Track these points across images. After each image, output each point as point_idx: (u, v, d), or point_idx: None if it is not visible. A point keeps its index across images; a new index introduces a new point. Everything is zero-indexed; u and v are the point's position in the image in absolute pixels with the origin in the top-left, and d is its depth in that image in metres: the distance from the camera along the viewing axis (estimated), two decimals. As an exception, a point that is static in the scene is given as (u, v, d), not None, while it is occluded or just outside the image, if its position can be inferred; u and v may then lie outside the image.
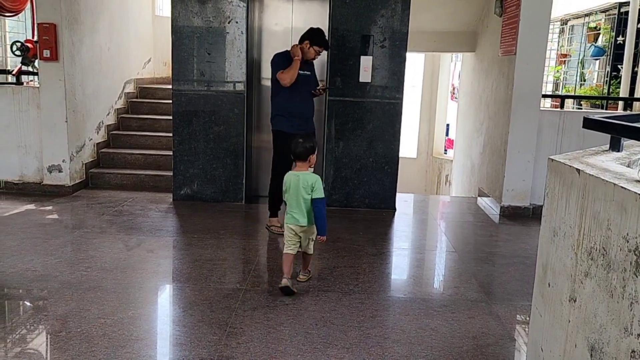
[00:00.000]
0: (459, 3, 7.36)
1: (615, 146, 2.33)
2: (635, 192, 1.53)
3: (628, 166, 2.10)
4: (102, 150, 6.86)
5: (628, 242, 1.56)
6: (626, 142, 2.34)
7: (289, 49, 5.02)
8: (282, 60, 4.85)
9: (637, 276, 1.51)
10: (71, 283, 3.67)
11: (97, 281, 3.72)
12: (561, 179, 2.05)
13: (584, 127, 2.12)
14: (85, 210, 5.55)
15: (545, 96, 6.78)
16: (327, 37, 5.17)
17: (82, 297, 3.46)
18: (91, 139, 6.61)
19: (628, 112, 2.40)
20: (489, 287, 4.00)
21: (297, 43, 4.94)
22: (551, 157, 2.19)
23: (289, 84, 4.75)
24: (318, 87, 5.07)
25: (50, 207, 5.60)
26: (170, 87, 5.97)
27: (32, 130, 6.03)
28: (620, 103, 6.53)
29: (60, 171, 6.03)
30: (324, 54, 5.29)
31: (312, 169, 3.84)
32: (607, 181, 1.70)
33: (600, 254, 1.72)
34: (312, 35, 4.86)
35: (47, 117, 5.92)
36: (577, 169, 1.92)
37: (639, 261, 1.50)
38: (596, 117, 2.07)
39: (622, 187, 1.60)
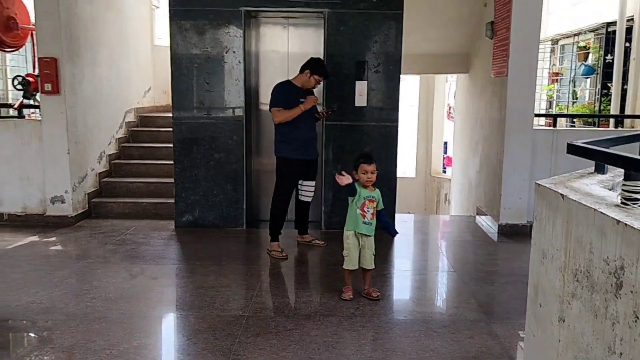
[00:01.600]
0: (451, 26, 7.53)
1: (599, 169, 2.42)
2: (613, 218, 1.62)
3: (611, 189, 2.19)
4: (104, 179, 6.96)
5: (608, 264, 1.64)
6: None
7: (288, 77, 5.16)
8: (281, 93, 4.99)
9: (617, 297, 1.59)
10: (76, 314, 3.73)
11: (102, 312, 3.79)
12: (547, 203, 2.13)
13: (568, 152, 2.21)
14: (89, 241, 5.63)
15: (538, 115, 6.90)
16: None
17: (88, 329, 3.52)
18: (93, 169, 6.72)
19: (613, 135, 2.48)
20: (488, 307, 4.06)
21: (300, 72, 5.07)
22: (538, 181, 2.28)
23: (278, 123, 4.92)
24: (322, 110, 5.23)
25: (53, 239, 5.68)
26: (170, 115, 6.10)
27: (34, 163, 6.14)
28: (612, 120, 6.65)
29: (63, 202, 6.12)
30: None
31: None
32: (588, 206, 1.78)
33: (585, 276, 1.80)
34: (313, 65, 5.01)
35: (49, 149, 6.03)
36: (561, 194, 2.00)
37: (619, 283, 1.58)
38: (579, 142, 2.17)
39: (601, 212, 1.69)
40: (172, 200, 6.15)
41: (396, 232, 4.30)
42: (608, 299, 1.64)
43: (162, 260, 5.03)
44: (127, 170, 7.25)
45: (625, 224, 1.54)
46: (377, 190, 4.08)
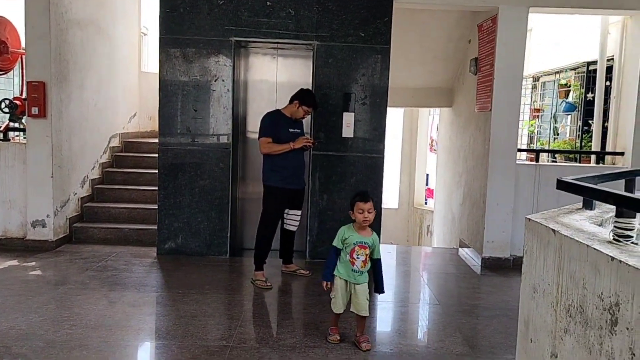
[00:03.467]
0: (436, 62, 7.69)
1: (587, 205, 2.47)
2: (607, 254, 1.65)
3: (600, 225, 2.23)
4: (87, 204, 6.86)
5: (603, 300, 1.66)
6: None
7: (276, 106, 5.20)
8: (269, 123, 5.04)
9: (613, 334, 1.61)
10: (56, 342, 3.63)
11: (81, 339, 3.69)
12: (538, 238, 2.16)
13: (557, 188, 2.26)
14: (69, 266, 5.51)
15: (520, 150, 7.03)
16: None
17: (68, 357, 3.42)
18: (76, 194, 6.63)
19: (599, 173, 2.54)
20: (474, 341, 4.05)
21: (289, 102, 5.12)
22: (528, 216, 2.31)
23: (264, 154, 4.99)
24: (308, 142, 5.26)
25: (33, 263, 5.55)
26: (155, 140, 6.09)
27: (17, 186, 6.04)
28: (593, 156, 6.80)
29: (44, 226, 6.01)
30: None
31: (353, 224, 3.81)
32: (581, 242, 1.81)
33: (578, 311, 1.81)
34: (302, 96, 5.07)
35: (33, 172, 5.95)
36: (552, 230, 2.04)
37: (614, 319, 1.60)
38: (569, 179, 2.21)
39: (595, 248, 1.72)
40: (155, 227, 6.08)
41: (382, 292, 3.83)
42: (603, 335, 1.65)
43: (144, 287, 4.94)
44: (110, 196, 7.17)
45: (620, 261, 1.57)
46: (374, 235, 3.76)
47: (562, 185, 2.19)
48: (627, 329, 1.53)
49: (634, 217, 1.79)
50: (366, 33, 5.84)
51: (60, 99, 6.06)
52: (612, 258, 1.60)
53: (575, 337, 1.82)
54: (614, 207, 1.93)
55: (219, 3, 5.78)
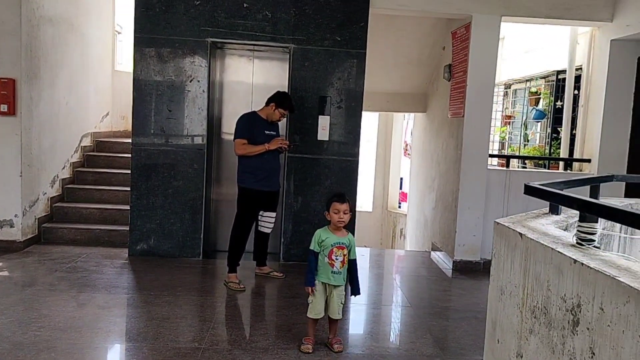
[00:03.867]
0: (411, 68, 7.79)
1: (554, 210, 2.55)
2: (570, 257, 1.70)
3: (565, 229, 2.30)
4: (56, 204, 6.74)
5: (565, 302, 1.72)
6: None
7: (251, 108, 5.21)
8: (245, 125, 5.04)
9: (574, 334, 1.66)
10: (23, 344, 3.57)
11: (50, 342, 3.63)
12: (506, 241, 2.22)
13: (525, 193, 2.32)
14: (37, 267, 5.41)
15: (492, 156, 7.16)
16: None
17: (35, 359, 3.36)
18: (45, 193, 6.51)
19: (566, 179, 2.63)
20: (444, 342, 4.11)
21: (266, 104, 5.12)
22: (497, 220, 2.37)
23: (239, 155, 4.99)
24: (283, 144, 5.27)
25: (0, 264, 5.43)
26: (128, 140, 6.03)
27: (-16, 184, 5.91)
28: (561, 163, 6.97)
29: (11, 226, 5.89)
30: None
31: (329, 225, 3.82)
32: (546, 245, 1.87)
33: (542, 312, 1.87)
34: (279, 99, 5.09)
35: (1, 171, 5.81)
36: (519, 233, 2.10)
37: (576, 320, 1.66)
38: (536, 184, 2.28)
39: (559, 251, 1.78)
40: (127, 228, 6.01)
41: (358, 293, 3.86)
42: (565, 335, 1.71)
43: (114, 289, 4.88)
44: (81, 196, 7.05)
45: (582, 264, 1.63)
46: (349, 235, 3.80)
47: (529, 190, 2.25)
48: (588, 329, 1.58)
49: (596, 222, 1.85)
50: (342, 37, 5.89)
51: (30, 97, 5.95)
52: (575, 261, 1.66)
53: (540, 337, 1.88)
54: (578, 212, 1.99)
55: (195, 3, 5.76)
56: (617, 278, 1.45)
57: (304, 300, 4.72)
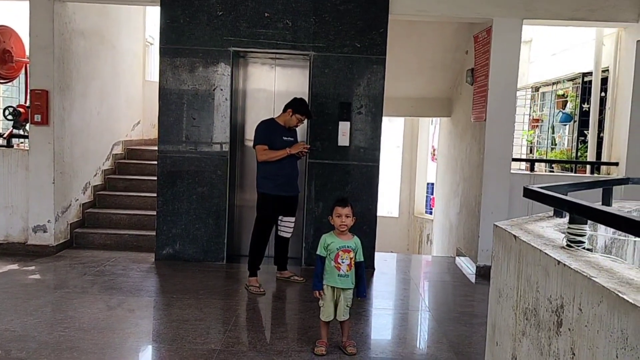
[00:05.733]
0: (434, 72, 7.77)
1: (558, 213, 2.54)
2: (554, 258, 1.71)
3: (564, 232, 2.29)
4: (88, 210, 6.99)
5: (551, 303, 1.73)
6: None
7: (273, 115, 5.33)
8: (263, 131, 5.15)
9: (558, 335, 1.67)
10: (49, 343, 3.73)
11: (74, 342, 3.79)
12: (503, 244, 2.23)
13: (524, 196, 2.33)
14: (68, 271, 5.63)
15: (515, 160, 7.07)
16: (308, 104, 5.47)
17: (58, 358, 3.51)
18: (77, 200, 6.76)
19: (571, 182, 2.62)
20: (460, 347, 4.10)
21: (283, 111, 5.22)
22: (496, 223, 2.38)
23: (261, 161, 5.09)
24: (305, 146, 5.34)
25: (33, 267, 5.67)
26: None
27: (19, 192, 6.18)
28: (588, 166, 6.83)
29: (45, 231, 6.14)
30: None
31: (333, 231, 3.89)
32: (535, 247, 1.88)
33: (532, 314, 1.88)
34: (295, 105, 5.18)
35: (35, 178, 6.08)
36: (514, 235, 2.11)
37: (559, 321, 1.66)
38: (534, 187, 2.28)
39: (546, 253, 1.79)
40: (154, 233, 6.18)
41: (364, 295, 3.92)
42: (551, 336, 1.72)
43: (139, 292, 5.04)
44: (111, 202, 7.29)
45: (564, 265, 1.64)
46: (355, 238, 3.81)
47: (527, 192, 2.26)
48: (569, 329, 1.59)
49: (585, 224, 1.85)
50: (362, 44, 5.94)
51: (62, 107, 6.21)
52: (558, 262, 1.67)
53: (530, 339, 1.89)
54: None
55: (217, 14, 5.92)
56: (592, 278, 1.46)
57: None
